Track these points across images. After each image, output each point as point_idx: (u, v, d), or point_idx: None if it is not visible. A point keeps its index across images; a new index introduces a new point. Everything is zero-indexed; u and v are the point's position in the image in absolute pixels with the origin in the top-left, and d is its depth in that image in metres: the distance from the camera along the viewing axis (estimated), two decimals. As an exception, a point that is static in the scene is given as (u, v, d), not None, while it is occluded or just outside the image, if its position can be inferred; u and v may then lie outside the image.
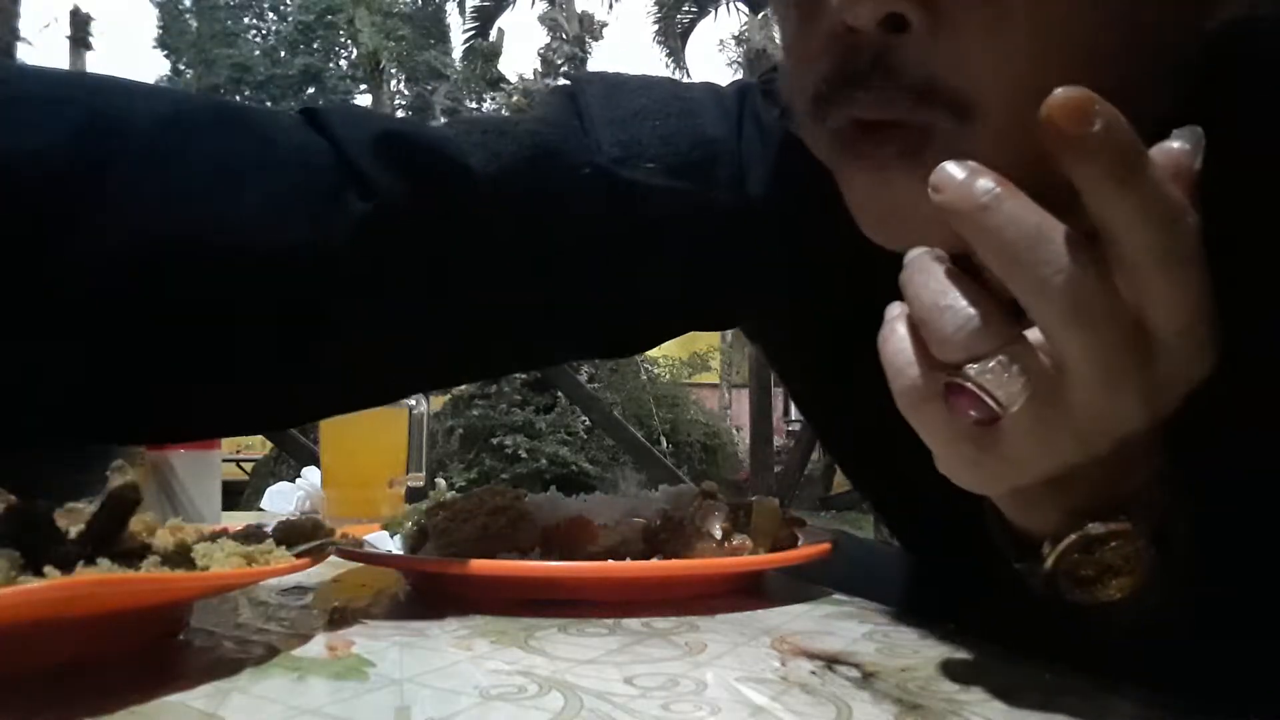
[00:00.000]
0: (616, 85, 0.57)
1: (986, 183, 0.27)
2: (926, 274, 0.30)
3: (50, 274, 0.40)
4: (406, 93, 10.41)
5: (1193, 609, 0.36)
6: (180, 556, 0.44)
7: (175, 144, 0.44)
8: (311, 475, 1.10)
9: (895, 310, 0.32)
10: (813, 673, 0.39)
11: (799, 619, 0.50)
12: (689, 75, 14.41)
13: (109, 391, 0.45)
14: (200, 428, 0.59)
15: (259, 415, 0.55)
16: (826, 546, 0.63)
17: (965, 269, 0.30)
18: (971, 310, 0.28)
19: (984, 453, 0.30)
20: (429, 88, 10.43)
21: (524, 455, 6.22)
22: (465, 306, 0.52)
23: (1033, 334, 0.29)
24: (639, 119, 0.54)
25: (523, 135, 0.52)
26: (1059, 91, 0.25)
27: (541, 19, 11.60)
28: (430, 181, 0.49)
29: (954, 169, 0.28)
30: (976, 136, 0.33)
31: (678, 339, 0.64)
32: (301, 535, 0.48)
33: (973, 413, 0.29)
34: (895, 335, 0.31)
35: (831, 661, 0.41)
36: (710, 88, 0.59)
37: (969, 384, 0.28)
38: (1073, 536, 0.32)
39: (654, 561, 0.55)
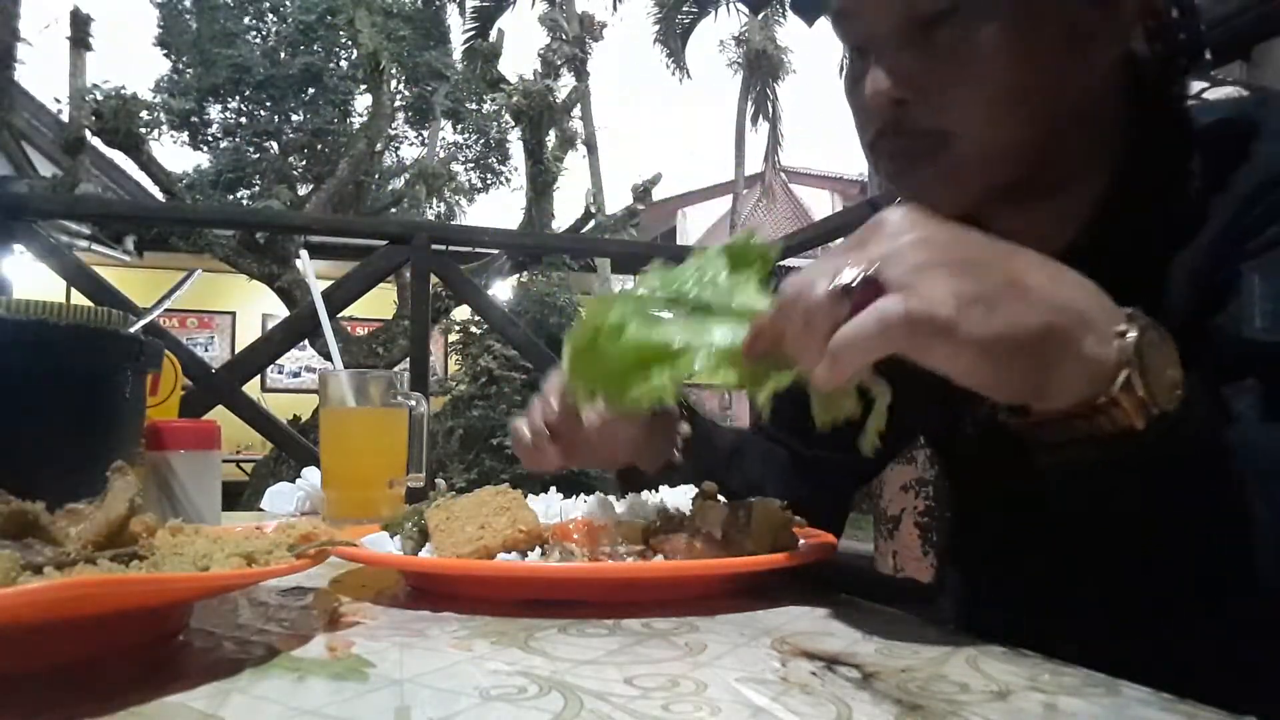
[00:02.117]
0: None
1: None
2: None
3: None
4: (406, 93, 10.41)
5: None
6: (175, 556, 0.44)
7: None
8: (311, 475, 1.10)
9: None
10: (813, 673, 0.39)
11: (799, 619, 0.50)
12: (689, 75, 14.41)
13: None
14: None
15: None
16: (827, 546, 0.63)
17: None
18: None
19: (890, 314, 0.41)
20: (429, 88, 10.42)
21: (524, 456, 6.21)
22: None
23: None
24: None
25: None
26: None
27: (541, 19, 11.60)
28: None
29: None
30: (957, 152, 0.55)
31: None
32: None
33: (852, 281, 0.42)
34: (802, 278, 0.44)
35: (831, 662, 0.41)
36: None
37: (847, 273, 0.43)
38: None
39: (654, 561, 0.55)
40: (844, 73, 0.65)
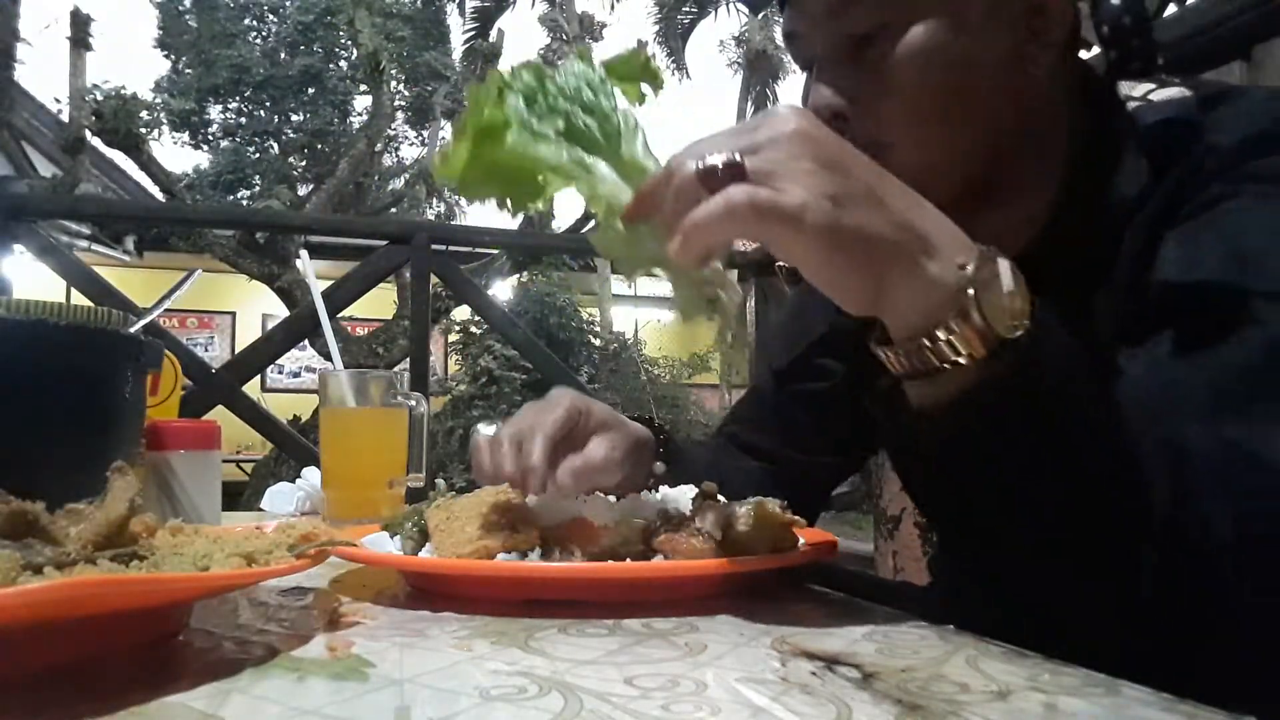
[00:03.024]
0: None
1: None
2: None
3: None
4: (406, 93, 10.41)
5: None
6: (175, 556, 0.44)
7: None
8: (311, 476, 1.10)
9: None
10: (813, 673, 0.39)
11: (799, 619, 0.50)
12: (689, 75, 14.41)
13: None
14: None
15: None
16: (828, 546, 0.63)
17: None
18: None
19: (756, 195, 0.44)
20: (429, 88, 10.42)
21: (524, 455, 6.20)
22: None
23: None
24: None
25: None
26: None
27: (541, 19, 11.60)
28: None
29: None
30: (894, 163, 0.51)
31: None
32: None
33: (718, 165, 0.44)
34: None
35: (831, 662, 0.41)
36: None
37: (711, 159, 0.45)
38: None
39: (654, 561, 0.55)
40: (803, 86, 0.68)
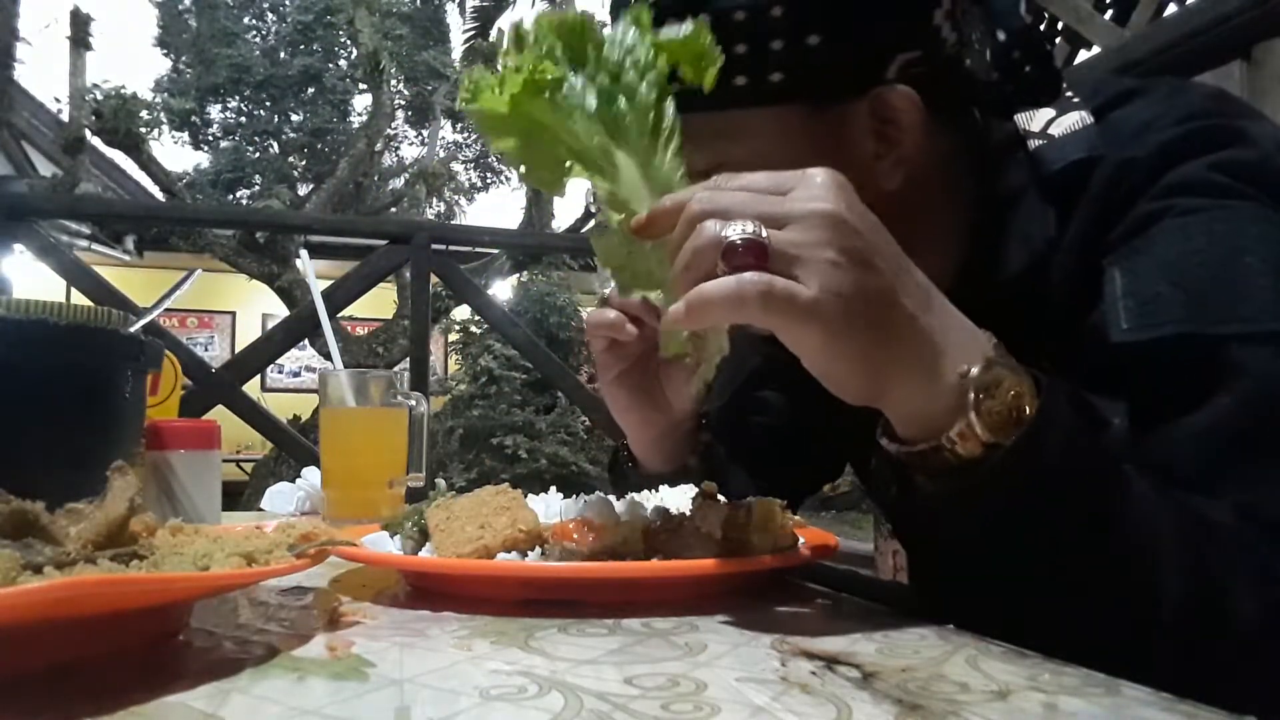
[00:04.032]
0: None
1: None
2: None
3: None
4: (406, 93, 10.41)
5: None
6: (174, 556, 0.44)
7: None
8: (311, 475, 1.10)
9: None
10: (813, 673, 0.39)
11: (799, 619, 0.50)
12: (689, 75, 14.40)
13: None
14: None
15: None
16: (828, 546, 0.63)
17: None
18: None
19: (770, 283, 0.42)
20: (429, 88, 10.41)
21: (524, 455, 6.21)
22: None
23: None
24: None
25: None
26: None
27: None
28: None
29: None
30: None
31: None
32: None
33: (739, 239, 0.43)
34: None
35: (831, 661, 0.40)
36: None
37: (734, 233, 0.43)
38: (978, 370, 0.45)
39: (654, 561, 0.55)
40: None
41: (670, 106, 0.51)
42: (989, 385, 0.45)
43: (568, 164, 0.50)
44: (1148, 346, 0.51)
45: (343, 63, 9.79)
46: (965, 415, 0.44)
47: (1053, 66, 0.63)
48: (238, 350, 7.54)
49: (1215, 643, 0.44)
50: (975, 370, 0.45)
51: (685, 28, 0.51)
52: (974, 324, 0.48)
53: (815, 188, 0.45)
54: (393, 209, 9.52)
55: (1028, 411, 0.45)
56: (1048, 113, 0.62)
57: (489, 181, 11.47)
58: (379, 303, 4.71)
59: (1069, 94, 0.62)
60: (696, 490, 0.64)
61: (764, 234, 0.43)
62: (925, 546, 0.56)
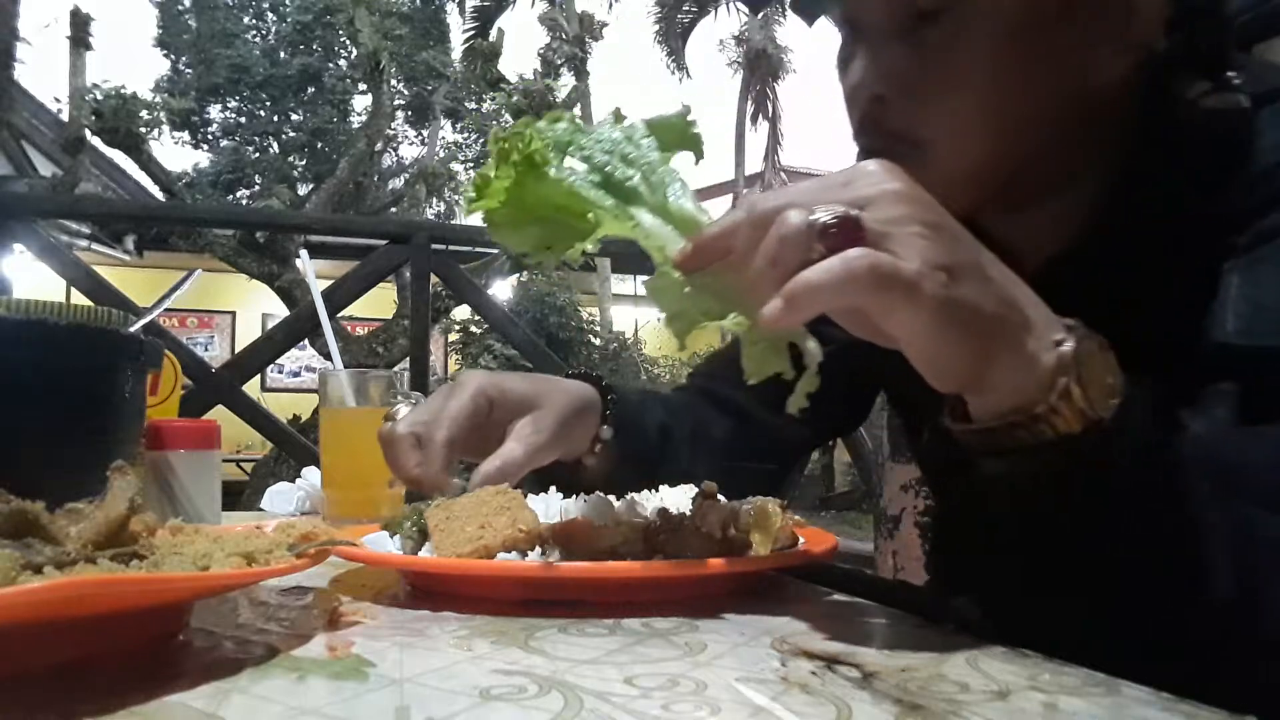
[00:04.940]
0: None
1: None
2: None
3: None
4: (406, 93, 10.41)
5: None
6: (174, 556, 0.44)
7: None
8: (311, 475, 1.10)
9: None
10: (813, 673, 0.39)
11: (799, 619, 0.50)
12: (689, 75, 14.41)
13: None
14: None
15: None
16: (828, 546, 0.63)
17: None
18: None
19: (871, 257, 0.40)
20: (429, 88, 10.42)
21: (524, 455, 6.19)
22: None
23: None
24: None
25: None
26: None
27: (541, 19, 11.59)
28: None
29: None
30: (933, 169, 0.51)
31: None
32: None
33: (833, 219, 0.40)
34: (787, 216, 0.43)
35: (831, 661, 0.41)
36: None
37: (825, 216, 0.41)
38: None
39: (654, 561, 0.55)
40: (839, 48, 0.63)
41: (673, 158, 0.51)
42: (1086, 358, 0.42)
43: (593, 218, 0.48)
44: (1247, 353, 0.50)
45: (342, 63, 9.80)
46: (1067, 389, 0.42)
47: (1227, 24, 0.60)
48: (238, 350, 7.54)
49: (1249, 645, 0.44)
50: (1070, 343, 0.42)
51: (669, 113, 0.52)
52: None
53: (875, 174, 0.43)
54: (392, 209, 9.52)
55: (1115, 384, 0.43)
56: (1201, 85, 0.58)
57: (489, 181, 11.44)
58: (379, 303, 4.70)
59: (1229, 74, 0.58)
60: (696, 490, 0.64)
61: (854, 213, 0.41)
62: (983, 531, 0.53)
